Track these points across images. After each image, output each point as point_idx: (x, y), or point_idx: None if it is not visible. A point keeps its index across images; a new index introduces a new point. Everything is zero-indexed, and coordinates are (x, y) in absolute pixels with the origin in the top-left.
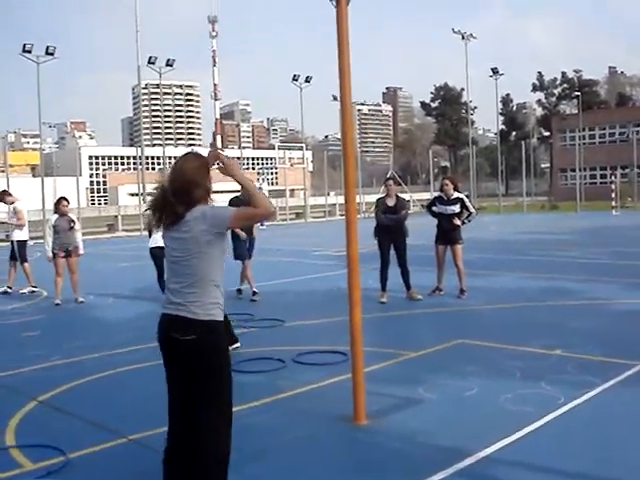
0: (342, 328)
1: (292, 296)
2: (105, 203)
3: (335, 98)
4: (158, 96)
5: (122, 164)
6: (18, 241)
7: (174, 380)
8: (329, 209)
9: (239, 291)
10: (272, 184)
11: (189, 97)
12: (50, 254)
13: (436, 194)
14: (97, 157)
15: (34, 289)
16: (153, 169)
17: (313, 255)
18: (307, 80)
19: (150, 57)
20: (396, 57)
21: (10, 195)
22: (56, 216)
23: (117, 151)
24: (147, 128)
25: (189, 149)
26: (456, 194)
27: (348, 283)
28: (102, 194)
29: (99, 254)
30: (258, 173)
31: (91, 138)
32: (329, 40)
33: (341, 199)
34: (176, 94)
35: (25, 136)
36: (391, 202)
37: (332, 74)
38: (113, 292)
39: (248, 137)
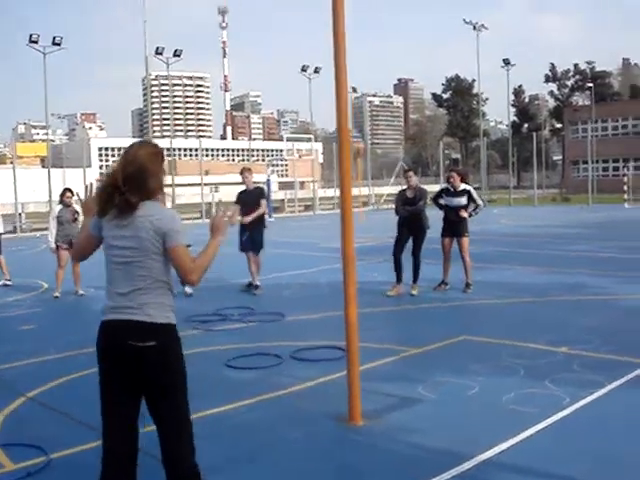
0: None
1: (295, 289)
2: None
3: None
4: (168, 87)
5: None
6: None
7: (124, 392)
8: (338, 201)
9: (250, 285)
10: (282, 176)
11: (199, 88)
12: (53, 245)
13: (443, 186)
14: (107, 148)
15: (8, 282)
16: (162, 160)
17: (319, 247)
18: (316, 71)
19: (157, 48)
20: (408, 48)
21: None
22: (60, 207)
23: (126, 142)
24: (157, 119)
25: (198, 141)
26: (463, 186)
27: (344, 278)
28: None
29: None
30: (268, 165)
31: (101, 129)
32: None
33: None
34: (186, 85)
35: (35, 127)
36: (411, 194)
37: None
38: None
39: (258, 128)
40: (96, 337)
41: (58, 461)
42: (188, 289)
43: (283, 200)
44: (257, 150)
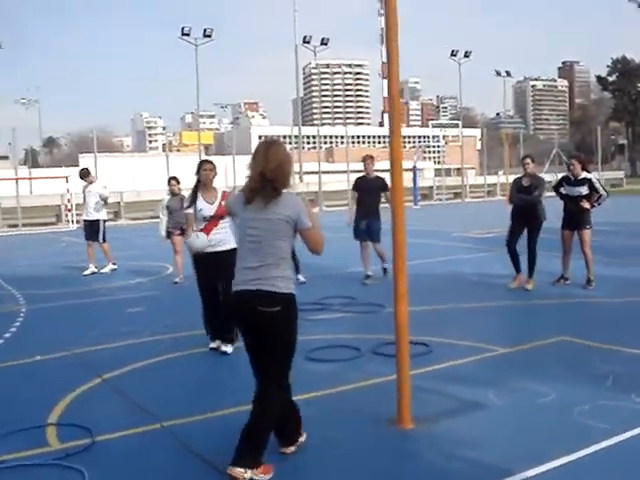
0: (444, 317)
1: (409, 279)
2: None
3: (498, 74)
4: (328, 76)
5: (290, 143)
6: (104, 220)
7: (254, 347)
8: (489, 189)
9: (368, 277)
10: (438, 162)
11: (358, 76)
12: (163, 233)
13: (564, 174)
14: (266, 136)
15: (114, 266)
16: (320, 148)
17: (450, 237)
18: (466, 55)
19: (305, 37)
20: (573, 30)
21: (89, 174)
22: (169, 197)
23: (285, 130)
24: (316, 107)
25: (358, 128)
26: (584, 174)
27: (394, 273)
28: None
29: None
30: (416, 152)
31: (263, 118)
32: (492, 11)
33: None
34: (345, 73)
35: (202, 117)
36: (526, 182)
37: (497, 48)
38: None
39: (417, 115)
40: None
41: (100, 445)
42: (301, 277)
43: (432, 187)
44: (412, 137)
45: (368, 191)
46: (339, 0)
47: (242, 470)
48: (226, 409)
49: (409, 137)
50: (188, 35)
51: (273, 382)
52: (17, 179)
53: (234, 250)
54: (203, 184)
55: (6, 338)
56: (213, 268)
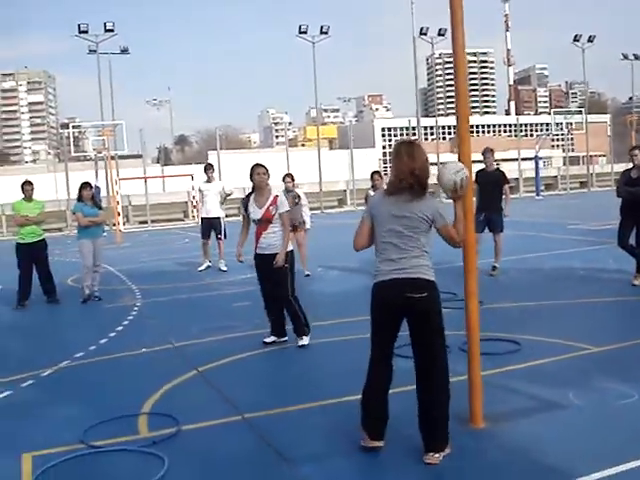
0: (542, 313)
1: (513, 274)
2: None
3: (625, 57)
4: (451, 65)
5: (414, 134)
6: (218, 217)
7: (391, 334)
8: (617, 177)
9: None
10: (567, 151)
11: (483, 64)
12: None
13: None
14: (389, 129)
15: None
16: (444, 139)
17: (567, 229)
18: (590, 40)
19: (422, 28)
20: None
21: (213, 170)
22: (283, 192)
23: (406, 122)
24: (441, 98)
25: (484, 117)
26: None
27: (464, 271)
28: None
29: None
30: (551, 139)
31: (387, 110)
32: None
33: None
34: (470, 62)
35: (326, 111)
36: (635, 174)
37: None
38: (340, 265)
39: (545, 102)
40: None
41: (184, 433)
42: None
43: (556, 177)
44: (541, 124)
45: (488, 184)
46: None
47: (437, 455)
48: (306, 403)
49: (534, 124)
50: (305, 33)
51: (437, 363)
52: (145, 178)
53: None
54: (257, 187)
55: (118, 331)
56: (265, 270)
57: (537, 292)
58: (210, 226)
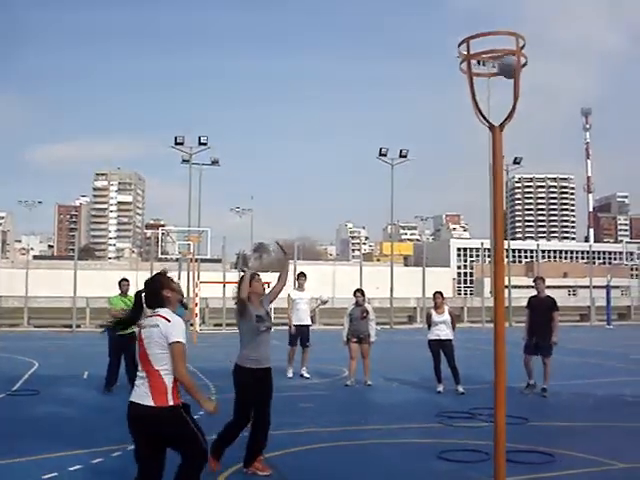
0: (582, 432)
1: (563, 397)
2: (471, 294)
3: None
4: (531, 189)
5: (489, 256)
6: (309, 325)
7: None
8: None
9: (528, 386)
10: None
11: (563, 190)
12: (344, 339)
13: None
14: (465, 249)
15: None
16: (520, 262)
17: (629, 359)
18: None
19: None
20: None
21: (305, 279)
22: (353, 306)
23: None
24: (519, 220)
25: (563, 243)
26: None
27: (494, 377)
28: (468, 285)
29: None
30: (608, 270)
31: (464, 230)
32: None
33: None
34: (550, 187)
35: (403, 228)
36: None
37: None
38: (401, 378)
39: (625, 230)
40: None
41: None
42: (460, 388)
43: (629, 307)
44: (616, 253)
45: (539, 309)
46: (543, 115)
47: None
48: None
49: (612, 253)
50: (385, 155)
51: None
52: (224, 283)
53: None
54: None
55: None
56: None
57: (581, 414)
58: (300, 334)
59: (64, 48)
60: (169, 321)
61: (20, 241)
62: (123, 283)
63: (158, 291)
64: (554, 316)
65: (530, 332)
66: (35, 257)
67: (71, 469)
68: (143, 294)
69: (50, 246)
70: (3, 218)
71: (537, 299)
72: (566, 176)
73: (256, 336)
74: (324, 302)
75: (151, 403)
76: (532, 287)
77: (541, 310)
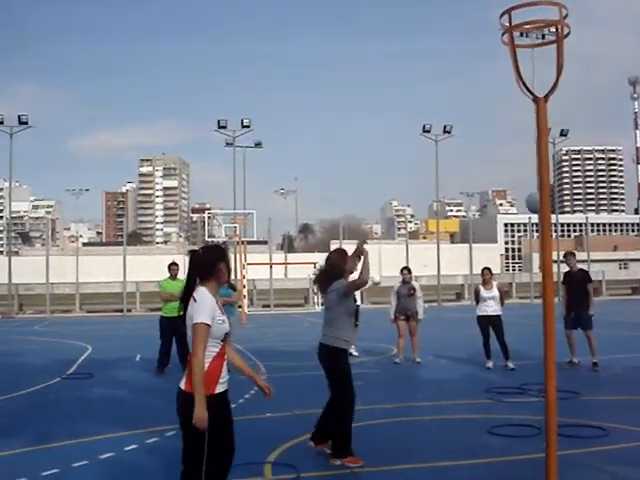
0: (637, 406)
1: (616, 370)
2: (519, 270)
3: None
4: (579, 162)
5: (537, 231)
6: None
7: None
8: None
9: (571, 362)
10: None
11: (611, 161)
12: (392, 316)
13: None
14: (512, 224)
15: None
16: (569, 236)
17: None
18: None
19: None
20: None
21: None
22: (400, 284)
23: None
24: (567, 194)
25: (612, 215)
26: None
27: (544, 351)
28: (517, 260)
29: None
30: None
31: (511, 205)
32: None
33: None
34: (597, 159)
35: (449, 205)
36: None
37: None
38: (450, 355)
39: None
40: None
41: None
42: (510, 364)
43: None
44: None
45: (574, 283)
46: (590, 86)
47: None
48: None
49: None
50: (429, 132)
51: None
52: (271, 264)
53: None
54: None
55: (246, 398)
56: None
57: (633, 387)
58: None
59: (110, 41)
60: (196, 301)
61: (69, 229)
62: (172, 267)
63: (214, 262)
64: (588, 288)
65: (568, 307)
66: (84, 244)
67: (127, 449)
68: (194, 262)
69: (99, 233)
70: (52, 207)
71: (570, 274)
72: (614, 147)
73: (350, 317)
74: (376, 284)
75: (182, 386)
76: (582, 261)
77: (576, 284)
